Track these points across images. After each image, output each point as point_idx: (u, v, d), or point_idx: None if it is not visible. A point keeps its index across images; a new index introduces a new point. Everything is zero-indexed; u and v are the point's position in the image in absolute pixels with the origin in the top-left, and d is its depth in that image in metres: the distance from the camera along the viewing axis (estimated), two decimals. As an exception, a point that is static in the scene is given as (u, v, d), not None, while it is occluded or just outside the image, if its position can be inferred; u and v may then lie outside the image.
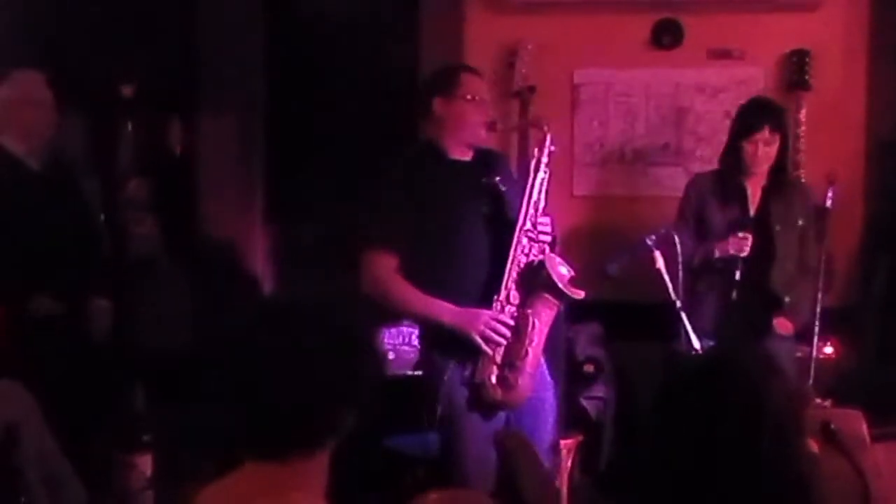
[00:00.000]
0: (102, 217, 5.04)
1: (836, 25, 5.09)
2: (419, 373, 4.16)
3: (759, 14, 5.11)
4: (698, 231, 4.48)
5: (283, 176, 6.00)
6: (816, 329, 4.44)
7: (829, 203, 4.48)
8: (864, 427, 2.71)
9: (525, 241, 3.70)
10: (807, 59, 5.01)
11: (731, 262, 4.35)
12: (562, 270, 3.71)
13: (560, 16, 5.20)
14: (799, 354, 4.49)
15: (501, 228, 3.74)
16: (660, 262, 3.82)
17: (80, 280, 4.51)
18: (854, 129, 5.11)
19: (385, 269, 3.71)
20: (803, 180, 4.79)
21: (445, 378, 3.69)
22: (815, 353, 4.46)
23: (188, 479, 2.75)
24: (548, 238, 3.76)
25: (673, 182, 5.00)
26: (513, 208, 3.76)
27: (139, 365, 4.88)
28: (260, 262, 6.04)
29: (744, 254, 4.33)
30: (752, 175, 4.44)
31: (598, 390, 4.87)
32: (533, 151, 3.83)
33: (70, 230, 4.54)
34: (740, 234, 4.34)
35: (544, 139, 3.78)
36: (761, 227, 4.42)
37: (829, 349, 4.70)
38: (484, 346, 3.65)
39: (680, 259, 3.88)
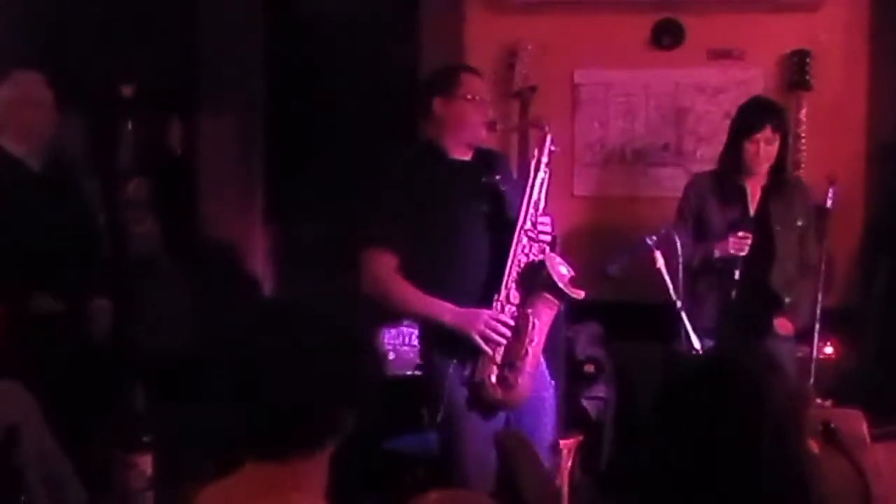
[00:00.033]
0: (102, 217, 5.03)
1: (836, 26, 5.09)
2: (419, 373, 4.16)
3: (759, 14, 5.11)
4: (698, 231, 4.48)
5: (283, 176, 6.00)
6: (817, 329, 4.45)
7: (829, 203, 4.49)
8: (865, 427, 2.71)
9: (525, 240, 3.71)
10: (807, 60, 5.00)
11: (730, 262, 4.35)
12: (562, 270, 3.71)
13: (560, 16, 5.20)
14: (799, 355, 4.49)
15: (501, 228, 3.74)
16: (660, 263, 3.82)
17: (80, 280, 4.52)
18: (854, 129, 5.11)
19: (385, 268, 3.71)
20: (803, 180, 4.79)
21: (446, 378, 3.69)
22: (815, 353, 4.46)
23: (188, 480, 2.75)
24: (548, 238, 3.76)
25: (673, 182, 5.00)
26: (513, 208, 3.76)
27: (139, 365, 4.88)
28: (260, 262, 6.04)
29: (743, 253, 4.33)
30: (753, 175, 4.44)
31: (599, 390, 4.87)
32: (533, 151, 3.84)
33: (70, 230, 4.54)
34: (740, 234, 4.34)
35: (544, 139, 3.79)
36: (761, 227, 4.42)
37: (829, 349, 4.70)
38: (484, 346, 3.65)
39: (680, 259, 3.88)
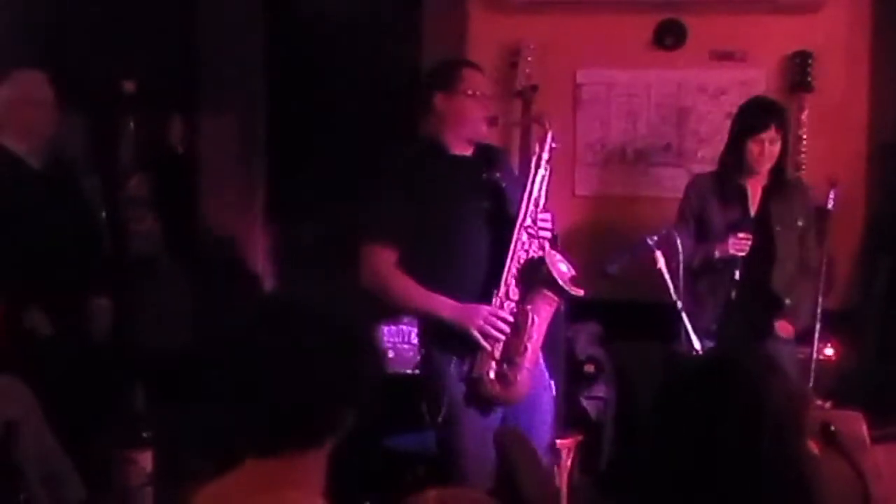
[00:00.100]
0: (103, 215, 5.04)
1: (838, 27, 5.08)
2: (419, 372, 4.16)
3: (761, 15, 5.11)
4: (698, 232, 4.48)
5: (283, 176, 6.00)
6: (817, 331, 4.44)
7: (830, 205, 4.48)
8: (865, 428, 2.70)
9: (525, 237, 3.71)
10: (809, 61, 5.00)
11: (731, 262, 4.35)
12: (562, 267, 3.71)
13: (562, 15, 5.20)
14: (800, 356, 4.49)
15: (502, 224, 3.74)
16: (661, 263, 3.82)
17: (80, 278, 4.51)
18: (856, 130, 5.10)
19: (385, 263, 3.71)
20: (803, 181, 4.78)
21: (447, 376, 3.69)
22: (815, 354, 4.46)
23: (188, 477, 2.75)
24: (548, 234, 3.76)
25: (674, 182, 4.99)
26: (513, 204, 3.76)
27: (139, 363, 4.88)
28: (260, 262, 6.04)
29: (743, 254, 4.33)
30: (754, 175, 4.44)
31: (599, 390, 4.87)
32: (534, 148, 3.84)
33: (70, 229, 4.54)
34: (740, 235, 4.34)
35: (546, 136, 3.79)
36: (762, 227, 4.42)
37: (829, 351, 4.69)
38: (482, 342, 3.65)
39: (681, 260, 3.88)
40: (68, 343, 4.40)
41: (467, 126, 3.80)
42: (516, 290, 3.70)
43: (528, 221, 3.71)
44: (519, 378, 3.68)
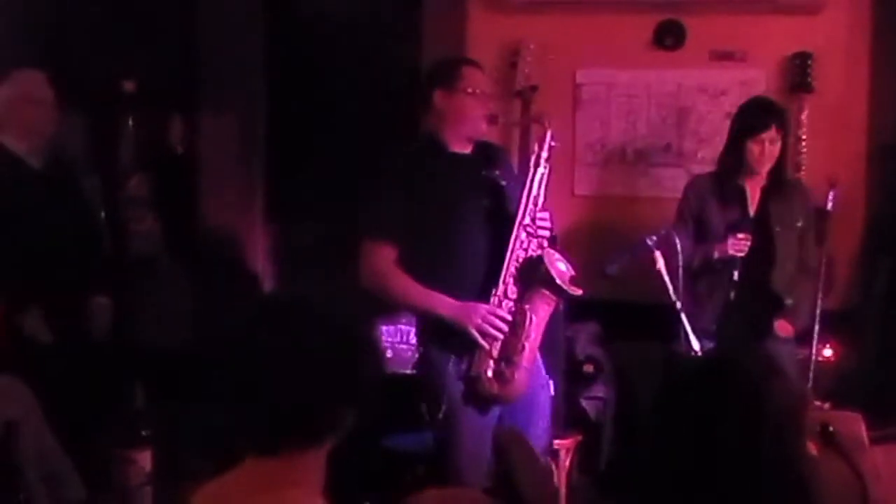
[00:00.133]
0: (103, 214, 5.04)
1: (838, 28, 5.08)
2: (416, 371, 4.16)
3: (761, 16, 5.10)
4: (697, 232, 4.48)
5: (283, 176, 6.00)
6: (816, 331, 4.44)
7: (830, 205, 4.48)
8: (864, 429, 2.71)
9: (523, 235, 3.71)
10: (809, 62, 5.00)
11: (730, 263, 4.35)
12: (560, 267, 3.71)
13: (562, 15, 5.20)
14: (799, 357, 4.49)
15: (501, 222, 3.74)
16: (660, 263, 3.83)
17: (80, 278, 4.51)
18: (856, 131, 5.10)
19: (384, 260, 3.71)
20: (802, 181, 4.78)
21: (445, 375, 3.69)
22: (814, 355, 4.46)
23: (188, 476, 2.75)
24: (546, 233, 3.76)
25: (674, 183, 4.99)
26: (513, 202, 3.76)
27: (139, 362, 4.88)
28: (260, 262, 6.04)
29: (742, 254, 4.33)
30: (754, 175, 4.44)
31: (598, 390, 4.87)
32: (534, 147, 3.84)
33: (70, 228, 4.55)
34: (740, 235, 4.34)
35: (545, 134, 3.79)
36: (761, 227, 4.42)
37: (828, 352, 4.69)
38: (480, 340, 3.65)
39: (680, 260, 3.89)
40: (68, 343, 4.40)
41: (467, 124, 3.80)
42: (515, 289, 3.70)
43: (527, 220, 3.71)
44: (516, 377, 3.68)
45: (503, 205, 3.80)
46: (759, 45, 5.12)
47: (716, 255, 4.37)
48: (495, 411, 3.74)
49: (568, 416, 4.64)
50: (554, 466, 4.31)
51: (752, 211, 4.46)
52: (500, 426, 3.68)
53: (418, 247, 3.71)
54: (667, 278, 3.80)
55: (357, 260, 3.78)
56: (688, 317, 3.79)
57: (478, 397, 3.69)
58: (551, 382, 4.01)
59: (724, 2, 5.15)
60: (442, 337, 3.71)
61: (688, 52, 5.20)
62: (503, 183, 3.83)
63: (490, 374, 3.67)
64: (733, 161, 4.44)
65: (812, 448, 1.99)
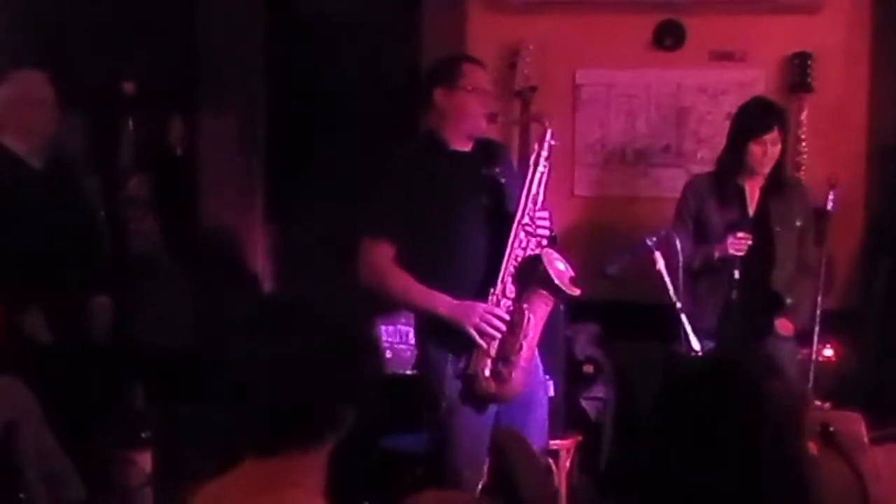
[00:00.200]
0: (103, 214, 5.04)
1: (838, 28, 5.08)
2: (415, 371, 4.16)
3: (761, 16, 5.10)
4: (697, 232, 4.48)
5: (283, 176, 6.00)
6: (816, 331, 4.44)
7: (829, 205, 4.48)
8: (864, 429, 2.71)
9: (522, 234, 3.70)
10: (809, 62, 4.99)
11: (730, 262, 4.35)
12: (559, 266, 3.71)
13: (562, 16, 5.20)
14: (799, 356, 4.49)
15: (500, 221, 3.74)
16: (660, 264, 3.83)
17: (80, 278, 4.51)
18: (855, 131, 5.10)
19: (382, 258, 3.71)
20: (802, 181, 4.78)
21: (444, 376, 3.69)
22: (814, 355, 4.46)
23: (188, 477, 2.75)
24: (546, 232, 3.75)
25: (674, 183, 4.98)
26: (513, 201, 3.76)
27: (139, 363, 4.88)
28: (260, 262, 6.04)
29: (742, 254, 4.33)
30: (754, 175, 4.44)
31: (598, 391, 4.87)
32: (533, 146, 3.83)
33: (71, 228, 4.54)
34: (739, 235, 4.34)
35: (545, 134, 3.78)
36: (761, 227, 4.42)
37: (828, 352, 4.69)
38: (478, 339, 3.65)
39: (680, 260, 3.89)
40: (68, 343, 4.41)
41: (467, 121, 3.80)
42: (513, 288, 3.70)
43: (526, 219, 3.71)
44: (514, 376, 3.68)
45: (503, 203, 3.79)
46: (758, 45, 5.12)
47: (716, 254, 4.37)
48: (492, 410, 3.73)
49: (568, 417, 4.64)
50: (554, 466, 4.32)
51: (751, 211, 4.46)
52: (499, 426, 3.68)
53: (417, 245, 3.71)
54: (667, 278, 3.80)
55: (356, 259, 3.78)
56: (688, 317, 3.79)
57: (475, 396, 3.69)
58: (551, 382, 4.01)
59: (724, 2, 5.15)
60: (440, 335, 3.71)
61: (687, 53, 5.19)
62: (503, 181, 3.82)
63: (487, 372, 3.67)
64: (733, 161, 4.44)
65: (812, 448, 1.99)
